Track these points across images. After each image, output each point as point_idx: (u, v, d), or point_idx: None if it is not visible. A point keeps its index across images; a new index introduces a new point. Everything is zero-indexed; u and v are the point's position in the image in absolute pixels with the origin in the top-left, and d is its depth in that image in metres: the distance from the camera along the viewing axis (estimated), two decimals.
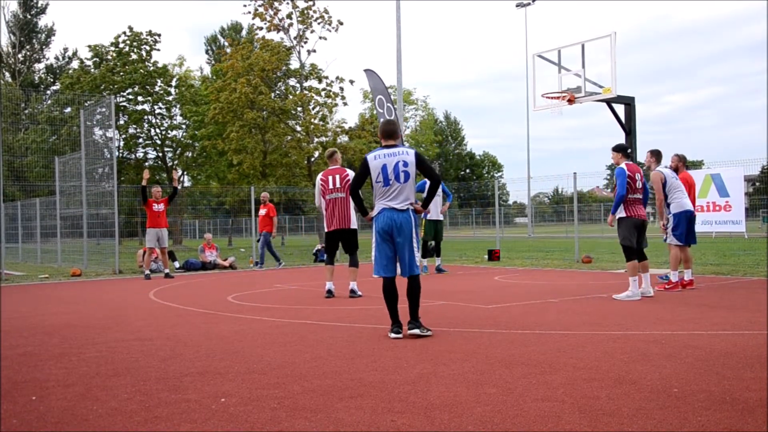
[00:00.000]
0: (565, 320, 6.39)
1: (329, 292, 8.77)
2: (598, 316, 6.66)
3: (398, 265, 5.73)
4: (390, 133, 5.80)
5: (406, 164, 5.62)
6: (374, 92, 16.13)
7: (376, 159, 5.66)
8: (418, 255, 5.72)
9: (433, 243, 12.87)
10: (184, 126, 34.50)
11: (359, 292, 8.76)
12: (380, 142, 5.93)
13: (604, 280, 10.67)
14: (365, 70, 16.00)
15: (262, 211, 15.82)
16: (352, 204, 8.43)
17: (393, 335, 5.53)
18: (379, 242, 5.70)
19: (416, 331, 5.53)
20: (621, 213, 8.08)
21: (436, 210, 12.56)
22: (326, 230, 8.79)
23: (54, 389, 4.01)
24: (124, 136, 32.33)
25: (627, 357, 4.57)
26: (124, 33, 31.84)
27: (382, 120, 6.27)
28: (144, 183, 13.44)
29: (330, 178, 8.66)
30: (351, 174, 8.53)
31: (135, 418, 3.36)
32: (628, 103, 11.96)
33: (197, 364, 4.63)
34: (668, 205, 8.91)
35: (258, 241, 16.35)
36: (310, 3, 29.01)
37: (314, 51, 30.69)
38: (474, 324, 6.27)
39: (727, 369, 4.16)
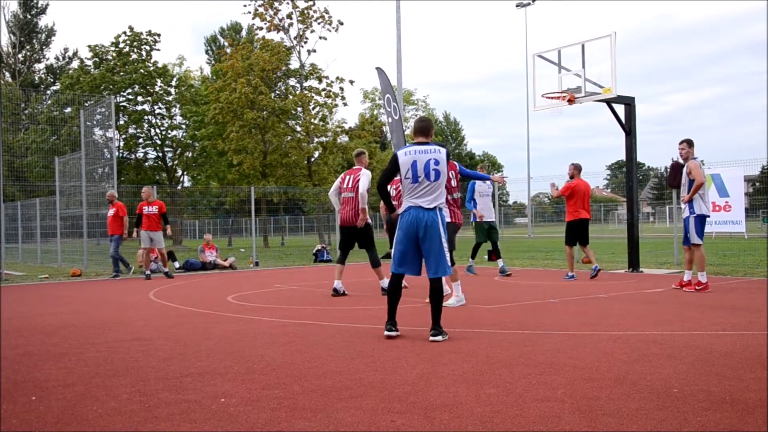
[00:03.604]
0: (565, 320, 6.39)
1: (335, 290, 8.82)
2: (598, 316, 6.66)
3: (423, 264, 5.64)
4: (423, 130, 5.68)
5: (437, 162, 5.47)
6: (383, 91, 16.17)
7: (407, 155, 5.50)
8: (448, 256, 5.64)
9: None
10: (184, 126, 34.51)
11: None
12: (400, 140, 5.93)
13: (604, 280, 10.67)
14: (377, 68, 16.04)
15: (110, 212, 13.84)
16: (360, 202, 8.61)
17: (387, 333, 5.51)
18: (401, 239, 5.55)
19: (438, 338, 5.38)
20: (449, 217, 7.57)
21: (489, 211, 12.07)
22: (341, 225, 9.11)
23: (54, 389, 4.01)
24: (124, 136, 32.33)
25: (627, 357, 4.57)
26: (125, 33, 31.86)
27: (416, 119, 6.30)
28: (133, 236, 13.41)
29: (347, 177, 8.93)
30: (363, 175, 8.70)
31: (135, 418, 3.36)
32: (628, 103, 11.95)
33: (197, 364, 4.63)
34: (691, 202, 8.69)
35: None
36: (310, 3, 29.04)
37: (314, 51, 30.78)
38: (474, 324, 6.27)
39: (727, 369, 4.16)
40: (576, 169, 11.03)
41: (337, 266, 9.06)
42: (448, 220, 7.13)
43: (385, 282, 8.71)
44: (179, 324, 6.71)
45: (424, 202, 5.47)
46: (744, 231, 19.39)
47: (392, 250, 5.69)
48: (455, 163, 7.90)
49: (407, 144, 5.81)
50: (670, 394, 3.60)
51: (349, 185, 8.82)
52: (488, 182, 11.58)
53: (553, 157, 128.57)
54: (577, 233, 10.96)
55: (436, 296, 5.51)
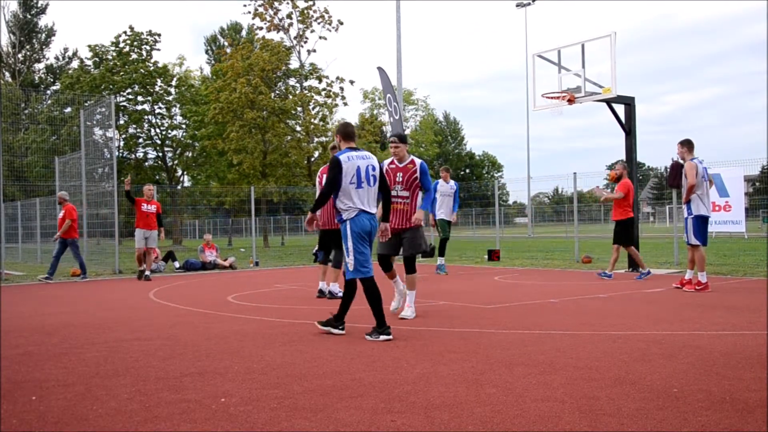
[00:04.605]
0: (565, 320, 6.39)
1: (321, 291, 8.75)
2: (598, 316, 6.66)
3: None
4: (352, 135, 5.86)
5: (374, 168, 5.71)
6: (384, 90, 16.20)
7: (350, 160, 5.63)
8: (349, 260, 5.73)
9: (432, 244, 12.95)
10: (184, 126, 34.53)
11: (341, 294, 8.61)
12: (339, 144, 5.89)
13: (603, 280, 10.67)
14: (378, 68, 16.04)
15: (60, 214, 13.36)
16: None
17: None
18: (360, 243, 5.62)
19: (382, 337, 5.50)
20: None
21: (447, 210, 12.63)
22: (320, 228, 8.79)
23: (54, 389, 4.01)
24: (124, 136, 32.35)
25: (627, 357, 4.57)
26: (125, 33, 31.89)
27: (342, 123, 6.22)
28: (127, 188, 12.67)
29: (325, 176, 8.56)
30: None
31: (135, 418, 3.36)
32: (628, 103, 11.96)
33: (197, 364, 4.63)
34: (689, 203, 8.71)
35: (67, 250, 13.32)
36: (310, 3, 29.06)
37: (314, 51, 30.81)
38: (474, 324, 6.27)
39: (727, 369, 4.16)
40: (625, 168, 11.04)
41: (321, 267, 8.87)
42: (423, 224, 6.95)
43: (335, 287, 8.59)
44: (179, 324, 6.71)
45: (368, 206, 5.66)
46: (744, 231, 19.40)
47: (351, 257, 5.62)
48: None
49: (345, 149, 5.79)
50: (670, 394, 3.60)
51: None
52: (450, 184, 12.60)
53: (553, 157, 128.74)
54: (628, 232, 10.82)
55: (377, 295, 5.64)
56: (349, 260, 5.64)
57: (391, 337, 5.48)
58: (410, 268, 6.75)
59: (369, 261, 5.68)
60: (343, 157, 5.61)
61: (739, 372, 4.08)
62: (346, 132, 5.83)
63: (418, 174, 6.69)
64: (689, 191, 8.57)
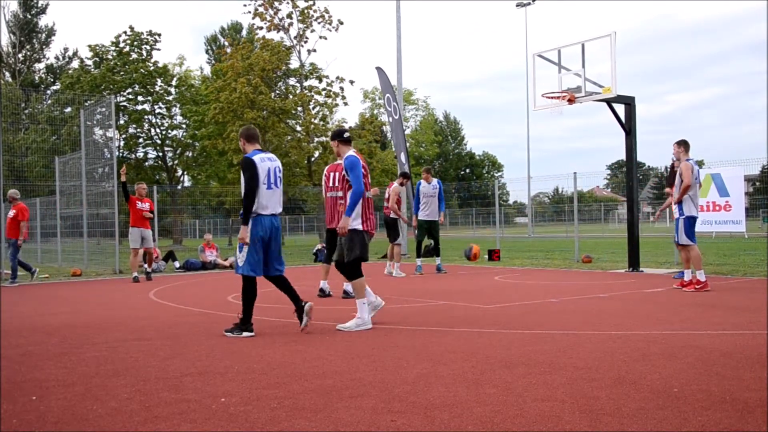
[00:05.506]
0: (565, 320, 6.39)
1: (322, 291, 8.72)
2: (598, 316, 6.66)
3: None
4: (257, 137, 6.04)
5: (280, 170, 5.90)
6: (383, 90, 16.19)
7: (263, 162, 5.78)
8: (241, 256, 5.84)
9: (432, 243, 12.92)
10: (184, 126, 34.52)
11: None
12: (245, 147, 6.00)
13: (604, 280, 10.68)
14: (377, 68, 16.03)
15: (11, 213, 12.67)
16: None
17: (247, 334, 5.70)
18: (259, 247, 5.79)
19: (305, 319, 5.83)
20: (359, 222, 6.19)
21: (428, 210, 12.55)
22: (327, 227, 8.69)
23: (54, 389, 4.01)
24: (124, 136, 32.34)
25: (627, 357, 4.57)
26: (125, 33, 31.90)
27: (245, 127, 6.22)
28: (123, 178, 12.27)
29: (332, 174, 8.21)
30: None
31: (135, 418, 3.36)
32: (628, 103, 11.95)
33: (197, 364, 4.63)
34: (680, 204, 8.75)
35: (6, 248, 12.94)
36: (310, 3, 29.03)
37: (314, 51, 30.75)
38: (474, 324, 6.27)
39: (727, 369, 4.16)
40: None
41: (323, 265, 8.81)
42: (360, 227, 6.21)
43: (348, 286, 8.54)
44: (179, 324, 6.71)
45: (275, 208, 5.84)
46: (744, 231, 19.41)
47: (243, 254, 5.77)
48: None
49: (254, 151, 5.87)
50: (670, 394, 3.60)
51: (336, 184, 8.03)
52: (432, 184, 12.55)
53: (553, 157, 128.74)
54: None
55: (290, 287, 6.02)
56: (241, 255, 5.82)
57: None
58: (349, 274, 6.29)
59: (261, 261, 5.84)
60: (256, 158, 5.77)
61: (739, 372, 4.08)
62: (248, 134, 6.03)
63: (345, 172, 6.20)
64: (683, 191, 8.62)
